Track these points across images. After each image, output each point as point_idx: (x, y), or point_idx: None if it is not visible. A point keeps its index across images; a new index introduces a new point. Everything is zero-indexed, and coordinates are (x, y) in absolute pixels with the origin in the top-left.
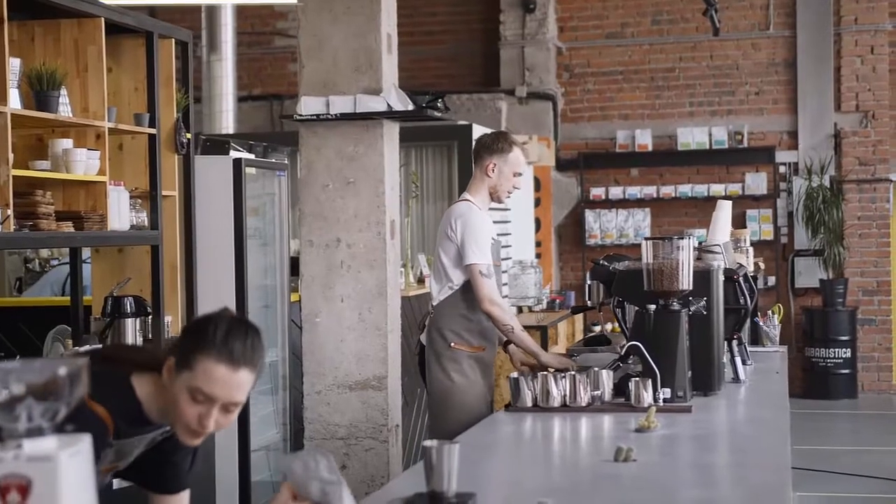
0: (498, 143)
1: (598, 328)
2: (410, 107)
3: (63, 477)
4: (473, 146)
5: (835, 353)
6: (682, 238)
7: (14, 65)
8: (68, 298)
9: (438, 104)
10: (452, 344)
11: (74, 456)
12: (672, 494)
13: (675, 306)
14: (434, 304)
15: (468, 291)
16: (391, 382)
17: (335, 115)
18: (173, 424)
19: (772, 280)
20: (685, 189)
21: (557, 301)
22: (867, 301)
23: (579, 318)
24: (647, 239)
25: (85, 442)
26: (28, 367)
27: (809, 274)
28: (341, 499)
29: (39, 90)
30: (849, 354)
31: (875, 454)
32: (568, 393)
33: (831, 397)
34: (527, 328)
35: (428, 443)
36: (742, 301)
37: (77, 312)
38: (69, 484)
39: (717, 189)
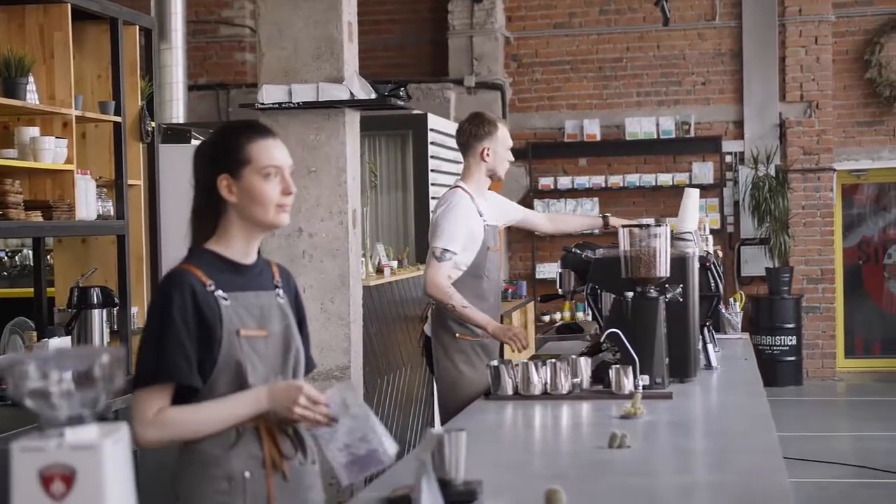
0: (484, 127)
1: (547, 318)
2: (373, 95)
3: (107, 465)
4: (457, 136)
5: (780, 340)
6: (659, 226)
7: None
8: (31, 290)
9: (401, 93)
10: (458, 335)
11: (117, 443)
12: (670, 479)
13: (653, 293)
14: None
15: (469, 280)
16: (353, 372)
17: (297, 103)
18: (262, 218)
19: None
20: (633, 178)
21: (510, 291)
22: (811, 289)
23: (531, 307)
24: (624, 226)
25: (124, 430)
26: (68, 354)
27: (755, 262)
28: (374, 429)
29: (7, 77)
30: (794, 342)
31: (820, 440)
32: (549, 381)
33: (777, 384)
34: None
35: (435, 431)
36: (714, 288)
37: (40, 303)
38: (113, 471)
39: (665, 178)
